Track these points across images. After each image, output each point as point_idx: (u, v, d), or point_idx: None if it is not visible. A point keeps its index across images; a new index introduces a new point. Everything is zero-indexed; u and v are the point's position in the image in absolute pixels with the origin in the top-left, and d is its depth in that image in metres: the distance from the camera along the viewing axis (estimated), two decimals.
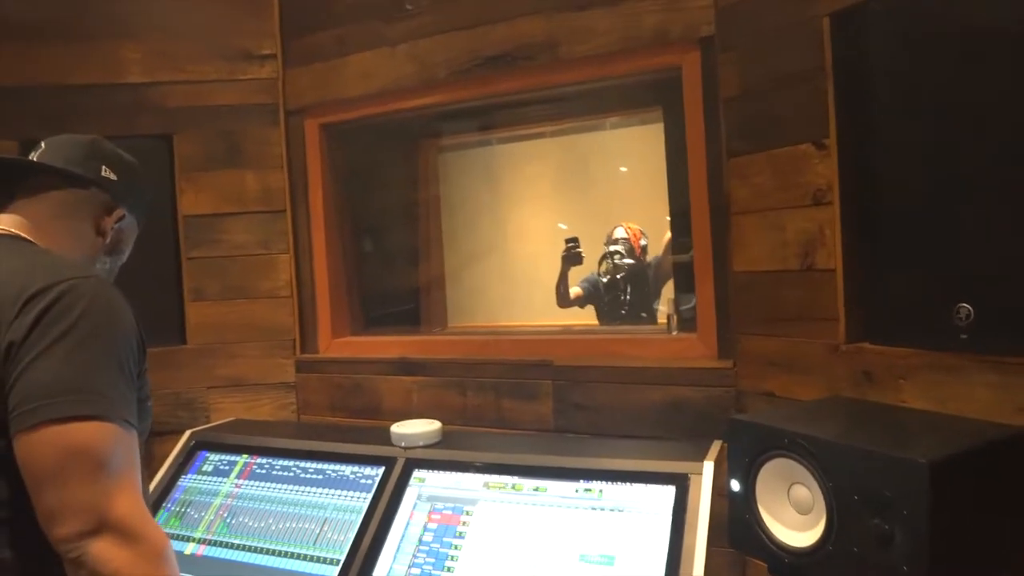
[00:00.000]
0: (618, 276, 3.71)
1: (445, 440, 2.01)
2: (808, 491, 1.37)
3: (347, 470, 1.98)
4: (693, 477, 1.64)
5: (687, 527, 1.56)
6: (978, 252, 1.49)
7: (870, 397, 1.64)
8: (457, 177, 4.53)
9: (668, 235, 2.37)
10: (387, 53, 2.44)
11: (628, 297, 3.70)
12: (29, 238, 1.27)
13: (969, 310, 1.49)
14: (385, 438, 2.04)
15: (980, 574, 1.30)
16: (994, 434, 1.33)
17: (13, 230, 1.27)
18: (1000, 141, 1.44)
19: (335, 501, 1.91)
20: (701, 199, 2.05)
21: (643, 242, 3.78)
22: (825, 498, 1.32)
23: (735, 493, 1.50)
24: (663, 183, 2.65)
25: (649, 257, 3.81)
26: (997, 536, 1.31)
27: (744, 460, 1.47)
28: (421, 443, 1.97)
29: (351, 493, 1.92)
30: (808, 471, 1.35)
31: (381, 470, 1.94)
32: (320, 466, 2.03)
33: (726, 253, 2.01)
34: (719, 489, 1.63)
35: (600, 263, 3.80)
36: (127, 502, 1.05)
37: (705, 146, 2.03)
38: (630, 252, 3.71)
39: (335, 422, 2.54)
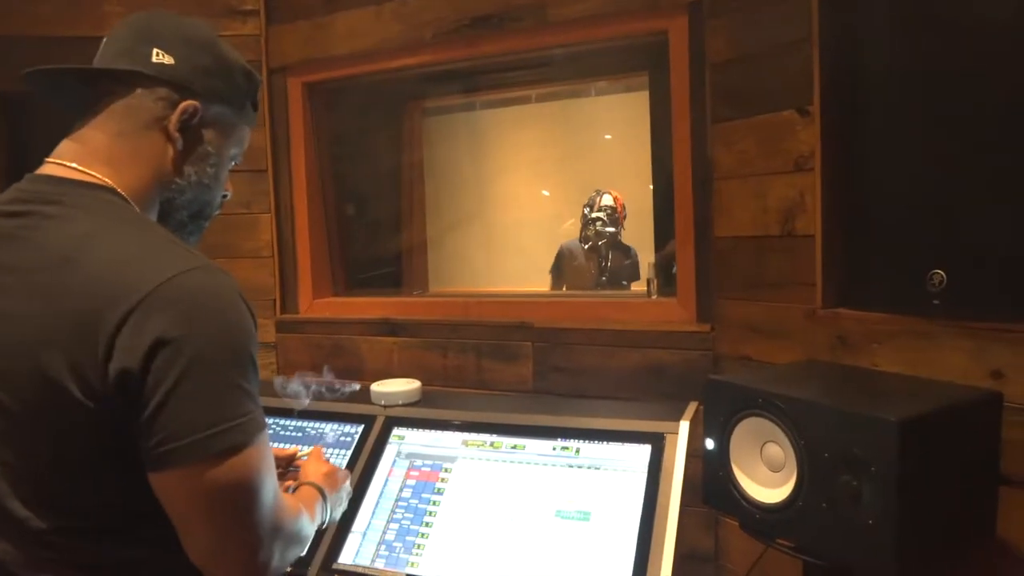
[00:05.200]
0: (600, 243, 3.72)
1: (425, 399, 2.02)
2: (780, 449, 1.40)
3: (327, 428, 1.99)
4: (669, 436, 1.66)
5: (662, 485, 1.59)
6: (952, 221, 1.51)
7: (845, 361, 1.67)
8: (441, 142, 4.51)
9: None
10: (373, 12, 2.41)
11: (608, 264, 3.72)
12: (103, 178, 1.06)
13: (942, 277, 1.52)
14: (365, 397, 2.05)
15: (951, 532, 1.33)
16: (965, 396, 1.36)
17: (80, 168, 1.06)
18: (978, 113, 1.46)
19: None
20: (684, 164, 2.06)
21: (624, 212, 3.79)
22: (796, 456, 1.35)
23: (710, 451, 1.53)
24: (646, 151, 2.66)
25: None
26: (967, 497, 1.35)
27: (719, 419, 1.50)
28: (401, 401, 1.98)
29: (331, 451, 1.93)
30: (781, 429, 1.38)
31: (361, 428, 1.95)
32: (300, 424, 2.03)
33: (708, 218, 2.02)
34: (694, 449, 1.66)
35: (582, 229, 3.81)
36: (278, 512, 1.04)
37: (690, 112, 2.04)
38: (613, 220, 3.72)
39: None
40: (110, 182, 1.06)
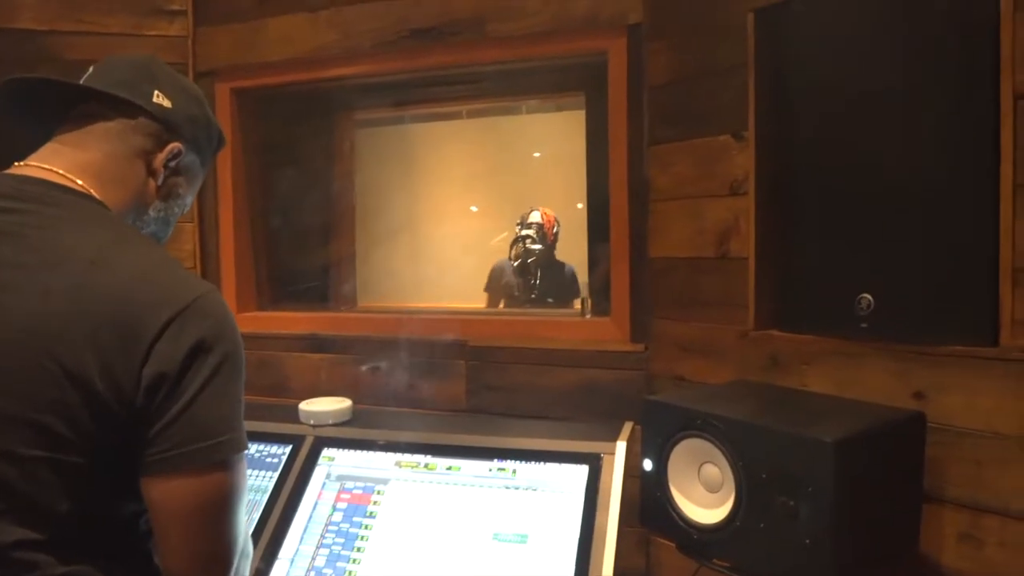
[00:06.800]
0: (528, 260, 3.72)
1: (356, 418, 1.96)
2: (718, 470, 1.41)
3: (252, 448, 1.90)
4: (606, 457, 1.65)
5: (599, 506, 1.58)
6: (880, 247, 1.57)
7: (776, 381, 1.70)
8: (370, 155, 4.44)
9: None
10: (308, 19, 2.35)
11: (537, 282, 3.72)
12: (89, 190, 1.10)
13: (870, 300, 1.57)
14: (292, 416, 1.97)
15: (880, 547, 1.37)
16: (893, 416, 1.41)
17: (69, 176, 1.09)
18: (904, 142, 1.52)
19: None
20: (620, 185, 2.08)
21: (556, 229, 3.80)
22: (735, 476, 1.36)
23: (647, 472, 1.53)
24: (577, 170, 2.68)
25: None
26: (894, 514, 1.39)
27: (658, 440, 1.50)
28: (331, 421, 1.91)
29: (256, 472, 1.84)
30: (719, 450, 1.39)
31: (288, 448, 1.87)
32: None
33: (643, 239, 2.04)
34: (630, 469, 1.66)
35: (511, 247, 3.80)
36: (245, 529, 1.10)
37: (627, 132, 2.06)
38: (542, 237, 3.73)
39: None
40: (99, 197, 1.11)
